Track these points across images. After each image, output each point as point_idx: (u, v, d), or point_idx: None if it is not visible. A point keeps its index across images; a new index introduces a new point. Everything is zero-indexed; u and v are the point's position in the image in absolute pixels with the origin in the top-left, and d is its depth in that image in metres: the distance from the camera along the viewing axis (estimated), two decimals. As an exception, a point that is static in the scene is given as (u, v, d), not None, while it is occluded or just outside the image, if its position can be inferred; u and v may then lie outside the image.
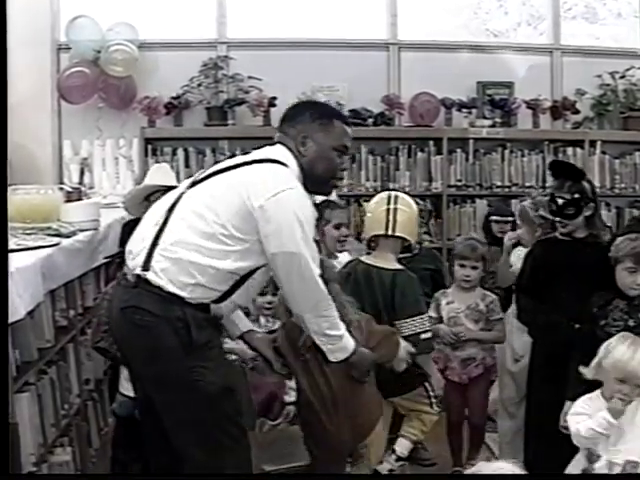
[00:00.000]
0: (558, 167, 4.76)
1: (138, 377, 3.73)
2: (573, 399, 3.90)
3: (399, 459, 4.71)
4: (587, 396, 3.74)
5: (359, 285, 4.47)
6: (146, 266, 3.45)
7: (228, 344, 4.17)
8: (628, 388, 3.59)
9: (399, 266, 4.56)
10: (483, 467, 2.57)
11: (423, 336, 4.44)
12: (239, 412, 3.66)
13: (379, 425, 4.33)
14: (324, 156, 3.69)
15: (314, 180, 3.68)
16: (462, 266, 5.12)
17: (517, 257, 5.26)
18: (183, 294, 3.41)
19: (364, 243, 4.75)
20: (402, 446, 4.74)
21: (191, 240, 3.43)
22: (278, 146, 3.70)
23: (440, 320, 5.06)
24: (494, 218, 6.42)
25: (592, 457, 3.63)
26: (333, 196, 5.04)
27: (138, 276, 3.45)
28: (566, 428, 3.82)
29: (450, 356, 5.06)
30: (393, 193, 4.71)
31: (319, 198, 4.61)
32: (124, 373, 4.36)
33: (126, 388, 4.34)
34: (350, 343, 3.68)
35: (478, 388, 5.12)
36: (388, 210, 4.54)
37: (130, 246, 3.63)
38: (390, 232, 4.51)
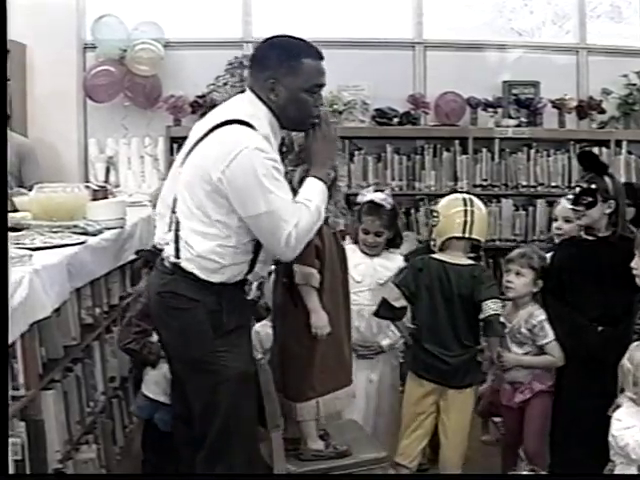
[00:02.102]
0: (584, 159, 4.77)
1: (173, 363, 3.88)
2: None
3: None
4: (624, 408, 3.62)
5: (432, 279, 4.50)
6: (177, 255, 3.56)
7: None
8: None
9: (472, 261, 4.60)
10: None
11: (501, 319, 4.48)
12: (256, 402, 3.79)
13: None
14: (295, 99, 3.58)
15: (288, 122, 3.65)
16: (507, 271, 4.77)
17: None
18: (215, 279, 3.55)
19: (433, 246, 4.71)
20: None
21: (200, 229, 3.52)
22: (247, 95, 3.65)
23: None
24: None
25: None
26: (381, 196, 4.98)
27: (174, 263, 3.57)
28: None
29: (501, 377, 4.78)
30: (467, 196, 4.71)
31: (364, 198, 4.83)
32: (150, 374, 4.38)
33: (150, 389, 4.37)
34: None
35: (531, 414, 4.64)
36: (465, 212, 4.53)
37: (157, 238, 3.83)
38: (467, 234, 4.52)
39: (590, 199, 4.45)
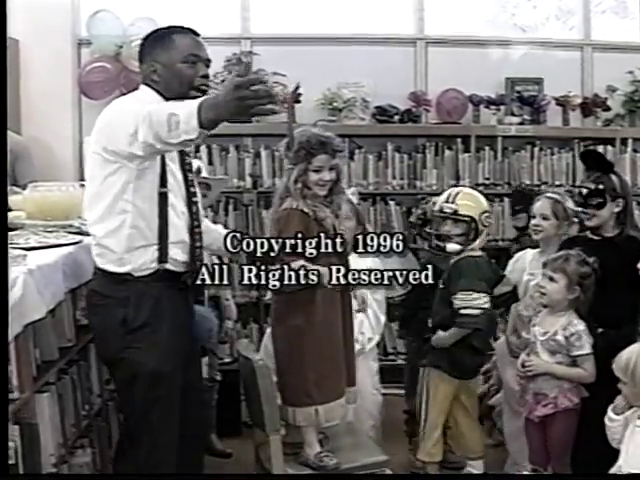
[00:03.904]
0: (588, 158, 4.74)
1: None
2: None
3: None
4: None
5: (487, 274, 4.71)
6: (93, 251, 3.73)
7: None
8: (626, 388, 3.52)
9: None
10: None
11: (462, 312, 4.54)
12: (176, 409, 3.74)
13: None
14: (173, 72, 3.68)
15: (176, 98, 3.59)
16: (542, 275, 4.47)
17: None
18: (121, 270, 3.60)
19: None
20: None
21: (96, 215, 3.67)
22: (140, 87, 3.80)
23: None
24: None
25: None
26: (348, 193, 4.90)
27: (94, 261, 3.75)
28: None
29: (526, 387, 4.45)
30: (455, 190, 4.81)
31: None
32: None
33: None
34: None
35: (554, 429, 4.34)
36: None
37: None
38: None
39: (599, 200, 4.42)
